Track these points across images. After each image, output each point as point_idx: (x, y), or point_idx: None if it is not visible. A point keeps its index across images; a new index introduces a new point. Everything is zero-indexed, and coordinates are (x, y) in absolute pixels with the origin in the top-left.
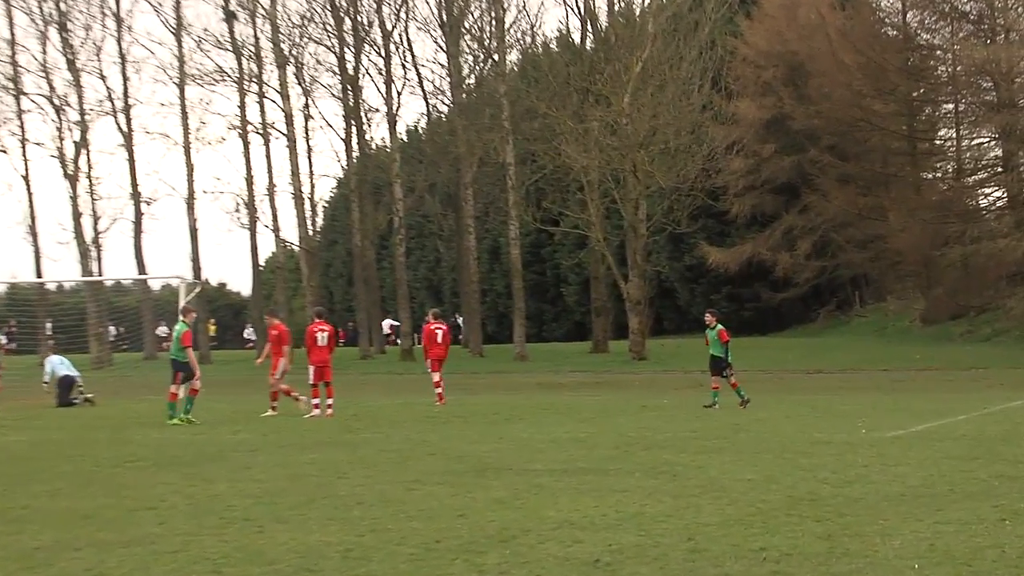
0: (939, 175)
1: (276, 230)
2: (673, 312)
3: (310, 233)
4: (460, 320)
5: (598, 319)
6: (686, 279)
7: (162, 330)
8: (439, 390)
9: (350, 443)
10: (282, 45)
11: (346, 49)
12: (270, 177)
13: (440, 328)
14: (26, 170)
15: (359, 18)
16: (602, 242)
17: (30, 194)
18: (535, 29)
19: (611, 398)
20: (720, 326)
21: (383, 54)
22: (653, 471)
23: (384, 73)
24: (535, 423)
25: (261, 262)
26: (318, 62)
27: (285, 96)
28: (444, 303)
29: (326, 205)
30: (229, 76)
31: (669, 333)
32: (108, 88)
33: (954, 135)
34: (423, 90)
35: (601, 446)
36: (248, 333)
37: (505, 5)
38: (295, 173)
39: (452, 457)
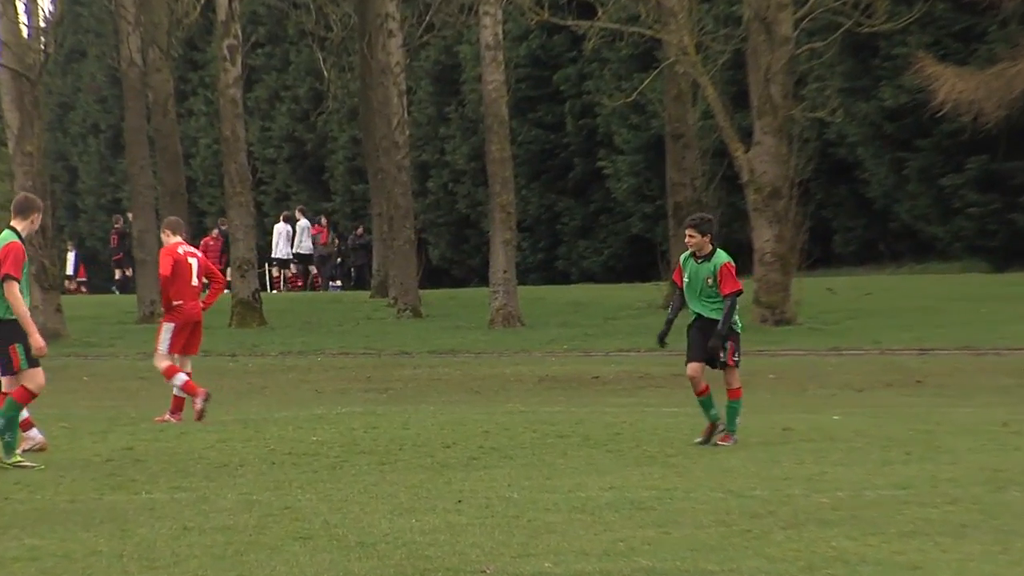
0: None
1: None
2: (855, 213)
3: (25, 35)
4: (360, 234)
5: (682, 230)
6: (884, 140)
7: None
8: (177, 388)
9: (117, 512)
10: None
11: None
12: None
13: (195, 258)
14: None
15: None
16: (693, 56)
17: None
18: None
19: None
20: (724, 255)
21: None
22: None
23: None
24: (537, 465)
25: None
26: None
27: None
28: (333, 195)
29: None
30: None
31: (845, 262)
32: None
33: None
34: None
35: (691, 518)
36: None
37: None
38: None
39: (349, 546)
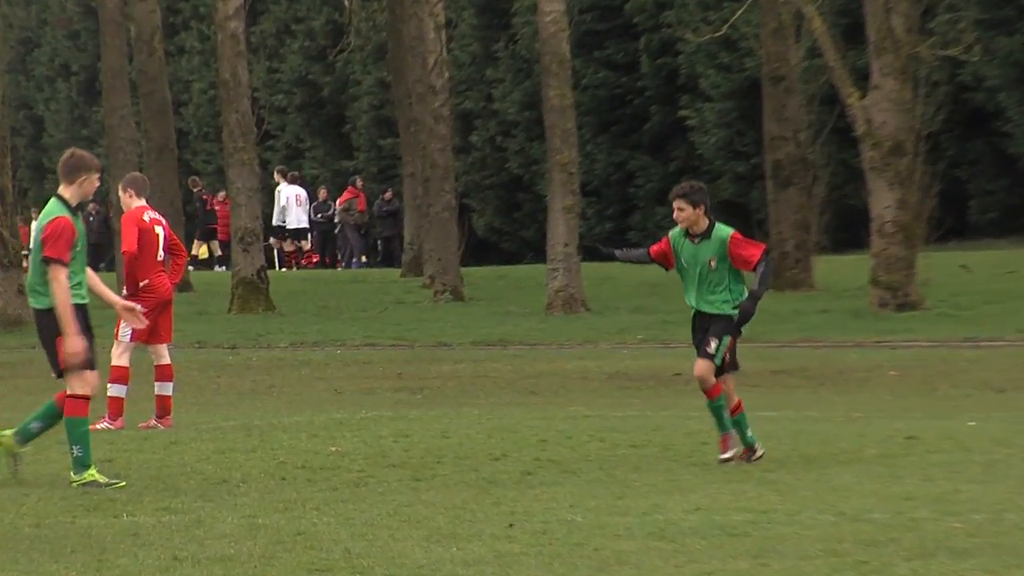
0: None
1: None
2: (995, 173)
3: None
4: (388, 199)
5: (783, 193)
6: None
7: None
8: (110, 394)
9: (93, 539)
10: None
11: None
12: None
13: (161, 226)
14: None
15: None
16: None
17: None
18: None
19: (824, 416)
20: (726, 228)
21: None
22: None
23: None
24: (606, 482)
25: None
26: None
27: None
28: (356, 152)
29: None
30: None
31: (983, 233)
32: None
33: None
34: None
35: (795, 547)
36: None
37: None
38: None
39: None
